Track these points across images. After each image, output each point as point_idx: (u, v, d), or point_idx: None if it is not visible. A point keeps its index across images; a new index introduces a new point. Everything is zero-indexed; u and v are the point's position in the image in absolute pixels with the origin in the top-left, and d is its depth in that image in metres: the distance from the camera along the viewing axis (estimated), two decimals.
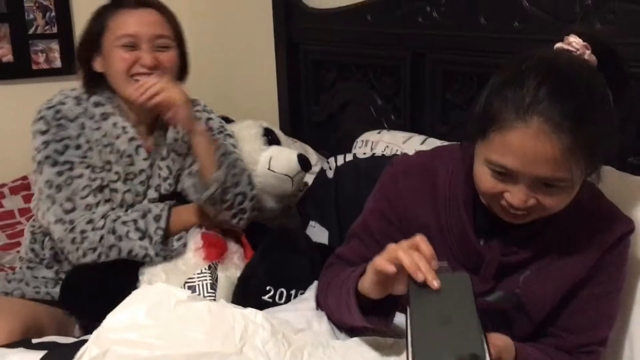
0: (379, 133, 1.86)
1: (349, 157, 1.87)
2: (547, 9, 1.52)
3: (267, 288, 1.38)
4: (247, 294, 1.39)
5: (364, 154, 1.80)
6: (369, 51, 1.95)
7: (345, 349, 1.07)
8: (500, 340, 0.98)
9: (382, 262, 0.95)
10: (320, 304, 1.23)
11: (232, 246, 1.54)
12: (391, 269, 0.94)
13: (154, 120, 1.55)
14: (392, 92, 1.95)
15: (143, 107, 1.42)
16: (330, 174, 1.86)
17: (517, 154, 0.93)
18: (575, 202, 1.03)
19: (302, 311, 1.24)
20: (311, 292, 1.31)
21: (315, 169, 2.03)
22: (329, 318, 1.19)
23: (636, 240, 1.14)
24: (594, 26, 1.45)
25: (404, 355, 0.91)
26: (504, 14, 1.56)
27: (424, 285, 0.90)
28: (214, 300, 1.12)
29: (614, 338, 1.16)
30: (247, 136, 1.74)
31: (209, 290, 1.15)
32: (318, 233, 1.71)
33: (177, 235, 1.49)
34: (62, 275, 1.50)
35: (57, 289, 1.49)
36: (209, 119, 1.62)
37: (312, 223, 1.81)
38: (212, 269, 1.21)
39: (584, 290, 1.09)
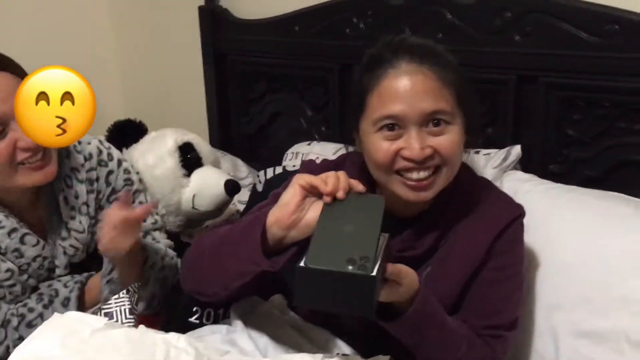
0: (309, 145, 1.84)
1: (279, 169, 1.85)
2: (469, 21, 1.54)
3: (194, 309, 1.33)
4: (173, 317, 1.34)
5: (294, 166, 1.78)
6: (297, 62, 1.93)
7: None
8: (405, 267, 0.97)
9: (311, 177, 0.96)
10: (190, 265, 1.14)
11: None
12: (325, 188, 0.94)
13: (35, 198, 1.33)
14: (322, 103, 1.93)
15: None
16: (260, 187, 1.82)
17: (397, 96, 1.01)
18: (466, 187, 1.11)
19: (226, 332, 1.20)
20: (235, 310, 1.27)
21: (247, 181, 2.00)
22: (201, 282, 1.11)
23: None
24: (514, 38, 1.48)
25: None
26: (429, 26, 1.57)
27: (340, 203, 0.93)
28: (134, 326, 1.06)
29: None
30: (163, 174, 1.59)
31: (128, 316, 1.09)
32: None
33: None
34: None
35: None
36: (109, 173, 1.39)
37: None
38: (132, 292, 1.15)
39: (480, 276, 1.12)
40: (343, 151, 1.71)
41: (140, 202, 1.43)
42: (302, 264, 0.84)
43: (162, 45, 2.38)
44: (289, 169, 1.73)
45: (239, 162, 2.05)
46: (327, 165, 1.22)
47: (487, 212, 1.13)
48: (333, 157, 1.68)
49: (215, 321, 1.32)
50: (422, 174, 1.03)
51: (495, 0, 1.51)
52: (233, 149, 2.13)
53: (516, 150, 1.49)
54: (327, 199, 0.94)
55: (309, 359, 1.05)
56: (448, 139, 1.03)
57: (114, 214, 1.20)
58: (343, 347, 1.13)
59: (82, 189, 1.34)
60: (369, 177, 1.11)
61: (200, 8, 2.11)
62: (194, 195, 1.61)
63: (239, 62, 2.09)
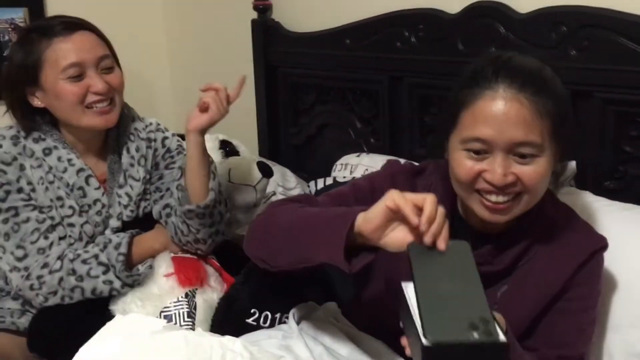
0: (358, 156, 1.86)
1: (329, 180, 1.87)
2: (523, 35, 1.54)
3: (252, 311, 1.35)
4: (230, 317, 1.36)
5: (344, 177, 1.80)
6: (347, 74, 1.95)
7: None
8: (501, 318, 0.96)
9: (402, 201, 0.89)
10: (260, 234, 1.12)
11: (208, 269, 1.51)
12: (414, 220, 0.88)
13: (103, 146, 1.51)
14: (370, 115, 1.95)
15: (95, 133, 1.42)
16: None
17: (489, 120, 0.99)
18: (549, 212, 1.08)
19: (282, 337, 1.21)
20: (291, 315, 1.29)
21: (295, 192, 2.03)
22: (268, 253, 1.10)
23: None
24: (569, 52, 1.47)
25: None
26: (482, 40, 1.58)
27: (426, 249, 0.87)
28: (192, 329, 1.08)
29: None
30: None
31: (186, 319, 1.12)
32: None
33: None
34: (28, 307, 1.46)
35: (23, 320, 1.44)
36: (165, 138, 1.59)
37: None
38: (190, 296, 1.18)
39: (559, 305, 1.10)
40: None
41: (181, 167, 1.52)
42: (425, 342, 0.77)
43: (215, 57, 2.44)
44: (339, 179, 1.74)
45: (288, 172, 2.07)
46: (410, 170, 1.21)
47: (570, 239, 1.11)
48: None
49: (272, 325, 1.34)
50: (501, 199, 1.02)
51: (550, 14, 1.50)
52: (281, 160, 2.16)
53: (572, 166, 1.47)
54: (415, 237, 0.89)
55: None
56: (533, 170, 1.01)
57: (204, 93, 1.40)
58: None
59: (142, 144, 1.53)
60: (450, 187, 1.11)
61: (253, 21, 2.16)
62: (229, 169, 1.66)
63: (289, 74, 2.13)
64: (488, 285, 1.07)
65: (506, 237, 1.10)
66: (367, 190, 1.16)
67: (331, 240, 0.94)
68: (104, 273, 1.39)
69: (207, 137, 1.73)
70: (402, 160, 1.37)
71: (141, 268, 1.43)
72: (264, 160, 1.78)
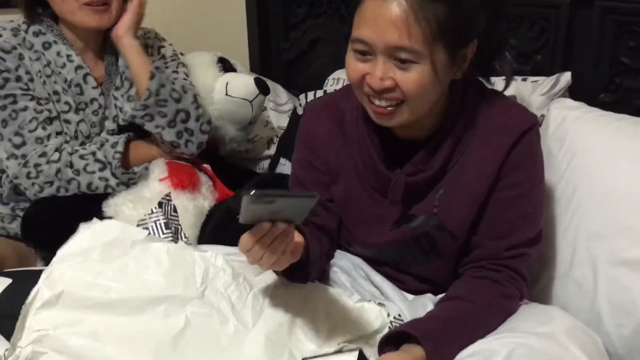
0: None
1: (320, 93, 1.83)
2: None
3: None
4: (226, 235, 1.30)
5: (335, 91, 1.76)
6: None
7: (308, 290, 1.06)
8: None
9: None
10: None
11: (201, 176, 1.51)
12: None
13: (102, 47, 1.52)
14: None
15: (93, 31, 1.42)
16: (300, 110, 1.82)
17: (369, 21, 0.98)
18: (474, 105, 1.08)
19: None
20: None
21: (286, 107, 2.00)
22: None
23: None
24: None
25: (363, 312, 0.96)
26: None
27: None
28: (172, 240, 1.08)
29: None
30: (200, 64, 1.68)
31: (165, 230, 1.11)
32: (288, 170, 1.67)
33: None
34: (19, 212, 1.48)
35: (14, 225, 1.47)
36: (161, 46, 1.59)
37: (282, 160, 1.79)
38: (165, 204, 1.16)
39: (497, 194, 1.10)
40: None
41: (184, 72, 1.57)
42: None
43: None
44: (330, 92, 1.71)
45: (279, 88, 2.03)
46: (331, 101, 1.22)
47: (497, 126, 1.09)
48: None
49: None
50: (384, 103, 1.02)
51: None
52: (273, 75, 2.11)
53: (566, 77, 1.44)
54: None
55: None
56: (411, 77, 0.98)
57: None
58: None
59: (139, 49, 1.51)
60: None
61: None
62: (227, 83, 1.66)
63: None
64: (427, 192, 1.11)
65: (433, 139, 1.09)
66: (311, 158, 1.19)
67: None
68: (100, 170, 1.41)
69: (204, 52, 1.74)
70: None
71: (137, 168, 1.46)
72: (262, 77, 1.75)
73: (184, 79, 1.54)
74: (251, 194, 0.82)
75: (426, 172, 1.10)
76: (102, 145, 1.44)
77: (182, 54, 1.72)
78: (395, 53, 0.97)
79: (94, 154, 1.42)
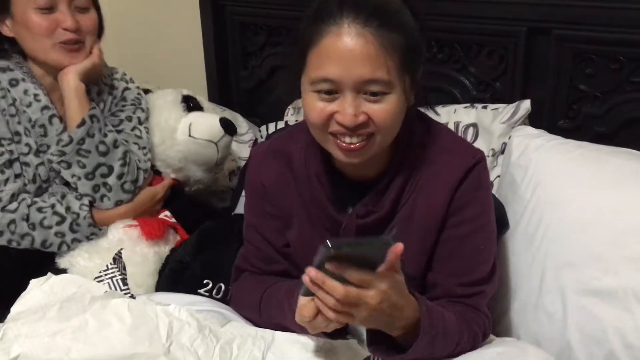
0: None
1: (281, 124, 1.81)
2: None
3: (205, 281, 1.31)
4: (180, 285, 1.31)
5: (296, 120, 1.74)
6: (298, 14, 1.85)
7: (275, 339, 1.03)
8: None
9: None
10: (250, 320, 1.17)
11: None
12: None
13: None
14: None
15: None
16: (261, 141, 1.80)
17: (335, 59, 0.94)
18: (420, 142, 1.07)
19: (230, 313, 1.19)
20: None
21: (247, 137, 1.97)
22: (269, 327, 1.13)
23: None
24: None
25: (332, 354, 0.93)
26: None
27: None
28: (131, 296, 1.04)
29: None
30: (163, 104, 1.62)
31: (122, 287, 1.07)
32: None
33: None
34: None
35: None
36: (126, 89, 1.54)
37: (244, 193, 1.75)
38: (117, 260, 1.13)
39: (447, 233, 1.09)
40: None
41: (139, 117, 1.53)
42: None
43: None
44: (291, 123, 1.68)
45: (239, 117, 2.00)
46: (276, 145, 1.18)
47: (444, 163, 1.08)
48: None
49: (224, 297, 1.30)
50: (355, 139, 0.98)
51: None
52: (232, 105, 2.08)
53: (525, 105, 1.45)
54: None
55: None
56: (384, 108, 0.97)
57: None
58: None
59: (104, 89, 1.50)
60: (325, 154, 1.08)
61: None
62: (190, 124, 1.60)
63: (237, 13, 2.02)
64: (379, 233, 1.07)
65: (382, 179, 1.07)
66: (263, 205, 1.17)
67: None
68: (58, 224, 1.35)
69: (169, 90, 1.68)
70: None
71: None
72: (228, 118, 1.70)
73: (134, 127, 1.49)
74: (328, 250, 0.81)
75: (377, 212, 1.08)
76: (63, 196, 1.38)
77: (148, 91, 1.68)
78: (365, 87, 0.95)
79: (53, 206, 1.35)
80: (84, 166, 1.36)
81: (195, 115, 1.63)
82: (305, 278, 0.89)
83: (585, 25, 1.38)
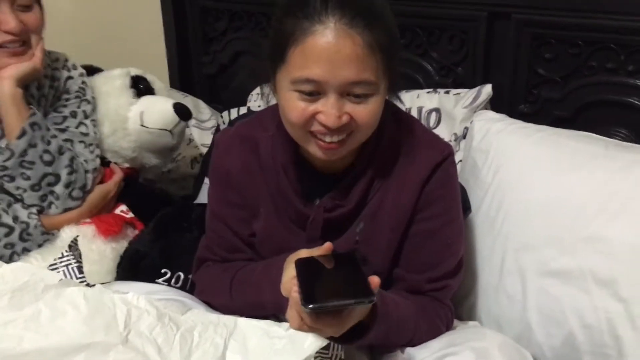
0: None
1: (243, 110, 1.78)
2: None
3: (163, 271, 1.28)
4: (138, 275, 1.28)
5: (259, 106, 1.72)
6: None
7: (237, 325, 1.01)
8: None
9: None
10: (219, 306, 1.15)
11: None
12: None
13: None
14: None
15: None
16: (223, 127, 1.77)
17: (320, 60, 0.91)
18: (390, 135, 1.05)
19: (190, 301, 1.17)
20: None
21: (209, 124, 1.94)
22: (239, 314, 1.10)
23: None
24: None
25: (295, 340, 0.92)
26: None
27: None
28: (87, 285, 1.01)
29: None
30: (110, 91, 1.51)
31: (78, 275, 1.03)
32: None
33: None
34: None
35: None
36: (69, 77, 1.43)
37: (207, 180, 1.72)
38: (73, 248, 1.09)
39: (414, 228, 1.09)
40: None
41: (84, 111, 1.43)
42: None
43: None
44: (254, 109, 1.66)
45: (201, 103, 1.97)
46: (244, 131, 1.14)
47: (413, 157, 1.07)
48: None
49: (184, 286, 1.28)
50: (336, 138, 0.97)
51: None
52: (194, 91, 2.05)
53: (487, 89, 1.46)
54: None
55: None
56: (367, 109, 0.95)
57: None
58: None
59: (45, 82, 1.39)
60: (292, 144, 1.06)
61: None
62: (141, 112, 1.50)
63: None
64: (346, 227, 1.08)
65: (351, 173, 1.06)
66: (227, 193, 1.14)
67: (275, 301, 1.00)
68: (6, 235, 1.28)
69: (116, 72, 1.56)
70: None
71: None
72: (181, 101, 1.61)
73: (79, 124, 1.40)
74: (308, 309, 0.84)
75: (345, 206, 1.07)
76: (9, 204, 1.30)
77: (97, 69, 1.60)
78: (350, 89, 0.93)
79: None
80: (28, 178, 1.28)
81: (146, 102, 1.53)
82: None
83: (545, 9, 1.40)
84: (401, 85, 1.08)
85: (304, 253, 0.95)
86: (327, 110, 0.93)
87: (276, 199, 1.10)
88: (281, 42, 0.94)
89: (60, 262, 1.04)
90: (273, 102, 1.72)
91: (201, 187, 1.73)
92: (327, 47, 0.90)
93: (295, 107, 0.95)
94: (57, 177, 1.31)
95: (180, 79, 2.09)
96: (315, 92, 0.94)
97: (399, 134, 1.08)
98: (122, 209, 1.43)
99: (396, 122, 1.09)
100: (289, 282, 0.91)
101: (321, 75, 0.91)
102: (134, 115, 1.50)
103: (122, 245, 1.35)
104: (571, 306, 1.17)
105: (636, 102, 1.37)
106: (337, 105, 0.93)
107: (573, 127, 1.37)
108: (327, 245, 0.94)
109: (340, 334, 0.91)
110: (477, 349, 0.99)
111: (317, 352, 0.92)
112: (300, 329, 0.90)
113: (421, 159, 1.06)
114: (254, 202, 1.13)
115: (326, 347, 0.93)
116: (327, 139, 0.97)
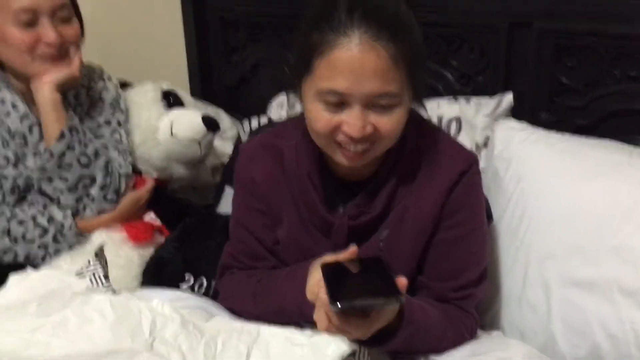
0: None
1: (264, 119, 1.79)
2: None
3: (186, 277, 1.30)
4: (161, 281, 1.29)
5: (281, 117, 1.73)
6: (280, 10, 1.85)
7: (260, 334, 1.02)
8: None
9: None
10: (242, 312, 1.15)
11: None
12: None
13: None
14: None
15: None
16: (244, 137, 1.78)
17: (345, 72, 0.92)
18: (413, 143, 1.06)
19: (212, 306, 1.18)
20: None
21: (230, 133, 1.95)
22: (263, 320, 1.11)
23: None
24: None
25: (317, 347, 0.92)
26: None
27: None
28: (113, 292, 1.02)
29: None
30: (143, 102, 1.57)
31: (105, 282, 1.05)
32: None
33: None
34: None
35: None
36: (104, 89, 1.49)
37: (228, 189, 1.73)
38: (100, 256, 1.11)
39: (439, 236, 1.09)
40: None
41: (118, 120, 1.49)
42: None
43: None
44: (275, 119, 1.67)
45: (222, 113, 1.98)
46: (267, 140, 1.16)
47: (437, 165, 1.08)
48: None
49: (207, 293, 1.29)
50: (360, 147, 0.98)
51: None
52: (215, 101, 2.06)
53: (508, 97, 1.45)
54: None
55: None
56: (391, 120, 0.97)
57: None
58: None
59: (81, 91, 1.45)
60: (314, 141, 1.06)
61: None
62: (171, 122, 1.55)
63: (219, 9, 2.00)
64: (370, 234, 1.08)
65: (375, 180, 1.07)
66: (252, 202, 1.15)
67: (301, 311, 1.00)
68: (41, 236, 1.31)
69: (148, 87, 1.63)
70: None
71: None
72: (210, 114, 1.67)
73: (113, 131, 1.45)
74: (337, 308, 0.83)
75: (369, 213, 1.07)
76: (45, 206, 1.34)
77: (127, 84, 1.64)
78: (375, 100, 0.94)
79: (34, 218, 1.31)
80: (66, 179, 1.33)
81: (176, 113, 1.58)
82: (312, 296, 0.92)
83: (566, 18, 1.39)
84: (425, 94, 1.08)
85: (329, 258, 0.95)
86: (352, 121, 0.95)
87: (300, 206, 1.11)
88: (307, 53, 0.95)
89: (87, 270, 1.06)
90: (295, 110, 1.76)
91: (222, 196, 1.74)
92: (351, 60, 0.91)
93: (320, 118, 0.97)
94: (93, 179, 1.35)
95: (202, 89, 2.11)
96: (340, 103, 0.95)
97: (423, 142, 1.09)
98: (151, 216, 1.45)
99: (420, 130, 1.10)
100: (315, 285, 0.91)
101: (346, 88, 0.93)
102: (164, 125, 1.55)
103: (148, 251, 1.38)
104: (596, 316, 1.15)
105: None
106: (361, 116, 0.94)
107: (595, 136, 1.36)
108: (352, 249, 0.94)
109: (368, 336, 0.91)
110: (502, 359, 0.99)
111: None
112: (328, 330, 0.89)
113: (446, 167, 1.07)
114: (278, 209, 1.13)
115: (352, 354, 0.93)
116: (352, 148, 0.98)
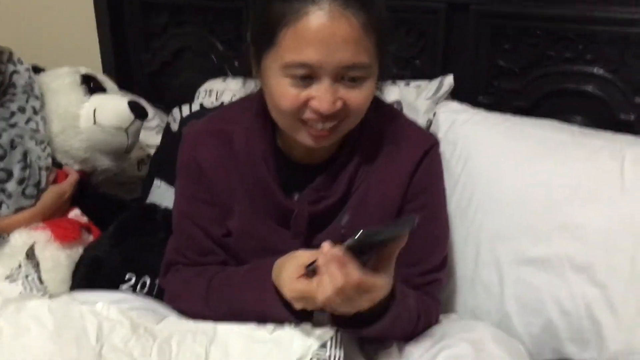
0: (224, 81, 1.71)
1: (195, 106, 1.70)
2: None
3: (127, 277, 1.19)
4: (97, 283, 1.18)
5: (212, 103, 1.65)
6: None
7: (217, 332, 0.94)
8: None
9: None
10: (192, 315, 1.05)
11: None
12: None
13: None
14: (233, 37, 1.78)
15: None
16: (175, 126, 1.67)
17: (314, 42, 0.86)
18: (374, 125, 1.02)
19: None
20: None
21: (153, 123, 1.83)
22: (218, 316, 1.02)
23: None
24: None
25: (280, 342, 0.87)
26: None
27: None
28: (50, 296, 0.91)
29: None
30: (60, 88, 1.44)
31: (39, 285, 0.93)
32: (164, 193, 1.53)
33: None
34: None
35: None
36: (15, 72, 1.35)
37: (156, 182, 1.62)
38: (31, 256, 0.99)
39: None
40: None
41: (33, 107, 1.36)
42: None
43: None
44: (207, 106, 1.58)
45: (143, 102, 1.86)
46: (215, 126, 1.08)
47: (398, 148, 1.05)
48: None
49: (150, 292, 1.19)
50: (327, 125, 0.93)
51: None
52: (134, 89, 1.94)
53: (449, 80, 1.44)
54: None
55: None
56: (361, 94, 0.92)
57: None
58: None
59: None
60: (266, 122, 1.01)
61: None
62: (94, 109, 1.43)
63: None
64: (330, 220, 1.04)
65: (334, 163, 1.03)
66: (196, 191, 1.07)
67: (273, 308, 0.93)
68: None
69: (64, 70, 1.50)
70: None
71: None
72: (137, 100, 1.53)
73: (29, 119, 1.32)
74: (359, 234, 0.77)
75: (329, 198, 1.02)
76: None
77: (39, 68, 1.49)
78: (345, 72, 0.89)
79: None
80: None
81: (99, 99, 1.46)
82: (321, 257, 0.82)
83: (503, 1, 1.40)
84: (389, 71, 1.04)
85: (303, 255, 0.88)
86: (321, 95, 0.89)
87: (253, 194, 1.04)
88: (269, 24, 0.88)
89: (18, 274, 0.93)
90: (223, 98, 1.67)
91: (150, 190, 1.63)
92: (321, 29, 0.86)
93: (286, 94, 0.90)
94: (10, 174, 1.22)
95: (118, 78, 1.96)
96: (307, 77, 0.89)
97: (382, 124, 1.05)
98: (75, 213, 1.32)
99: (379, 112, 1.06)
100: (294, 282, 0.85)
101: (316, 59, 0.87)
102: (86, 112, 1.42)
103: (76, 251, 1.25)
104: (549, 293, 1.16)
105: (593, 90, 1.40)
106: (331, 90, 0.89)
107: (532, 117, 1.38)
108: (325, 246, 0.86)
109: (389, 288, 0.87)
110: (472, 340, 0.97)
111: (314, 353, 0.86)
112: (345, 286, 0.80)
113: (408, 149, 1.04)
114: (228, 198, 1.05)
115: (323, 346, 0.87)
116: (319, 126, 0.92)
